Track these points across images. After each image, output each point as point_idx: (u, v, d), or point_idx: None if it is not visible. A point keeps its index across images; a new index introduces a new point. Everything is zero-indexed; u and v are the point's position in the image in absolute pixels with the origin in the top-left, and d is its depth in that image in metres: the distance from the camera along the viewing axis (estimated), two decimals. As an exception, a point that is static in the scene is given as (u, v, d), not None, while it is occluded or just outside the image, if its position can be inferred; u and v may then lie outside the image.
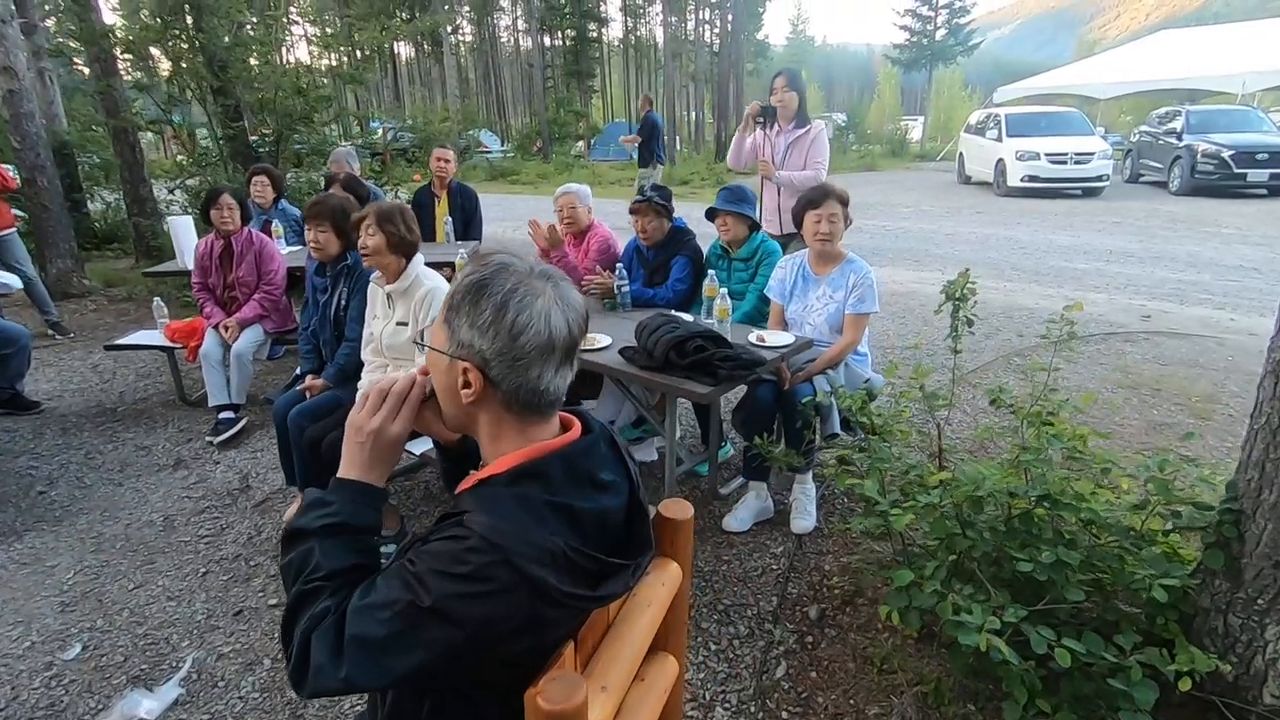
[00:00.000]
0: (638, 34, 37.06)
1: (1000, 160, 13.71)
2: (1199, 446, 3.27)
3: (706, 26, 28.53)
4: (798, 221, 2.85)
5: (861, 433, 2.28)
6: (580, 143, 28.93)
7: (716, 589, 2.43)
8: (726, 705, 1.96)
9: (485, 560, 0.80)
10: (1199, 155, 12.07)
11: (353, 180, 3.95)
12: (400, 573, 0.84)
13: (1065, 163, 12.84)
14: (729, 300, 2.69)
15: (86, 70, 7.11)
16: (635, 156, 10.91)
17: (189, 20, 6.49)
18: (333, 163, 4.87)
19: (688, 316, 2.90)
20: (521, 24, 34.23)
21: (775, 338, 2.65)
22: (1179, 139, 12.74)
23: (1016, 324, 5.44)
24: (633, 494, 0.98)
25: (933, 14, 28.38)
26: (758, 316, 3.06)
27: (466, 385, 0.91)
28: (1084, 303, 5.72)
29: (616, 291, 3.06)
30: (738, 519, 2.77)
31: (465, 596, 0.80)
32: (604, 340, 2.63)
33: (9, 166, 5.24)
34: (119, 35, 6.39)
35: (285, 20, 9.09)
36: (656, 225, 3.23)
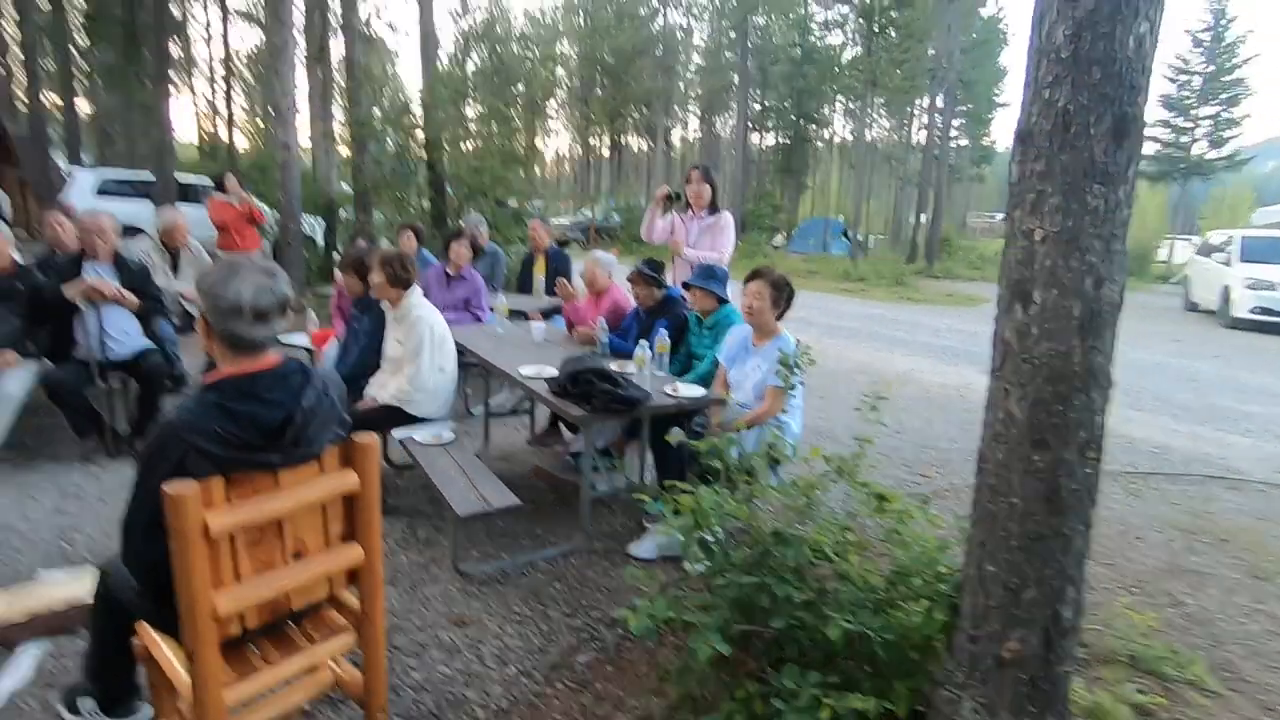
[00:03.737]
0: (857, 136, 37.75)
1: (1226, 288, 12.01)
2: (1213, 600, 2.92)
3: (925, 132, 28.36)
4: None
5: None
6: (780, 235, 29.92)
7: (582, 591, 2.82)
8: (520, 667, 2.36)
9: (164, 430, 1.48)
10: None
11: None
12: None
13: (1313, 295, 10.96)
14: (648, 351, 3.15)
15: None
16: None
17: (416, 114, 8.44)
18: (465, 225, 6.07)
19: (632, 368, 3.38)
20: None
21: (684, 389, 3.05)
22: None
23: (1107, 453, 4.98)
24: (290, 413, 1.55)
25: (1191, 125, 25.37)
26: (710, 378, 3.44)
27: (201, 328, 1.59)
28: (1229, 444, 5.06)
29: (597, 340, 3.64)
30: (643, 548, 3.11)
31: (150, 448, 1.48)
32: (550, 371, 3.21)
33: (266, 208, 7.22)
34: (364, 124, 8.52)
35: (544, 111, 11.19)
36: (647, 293, 3.79)
